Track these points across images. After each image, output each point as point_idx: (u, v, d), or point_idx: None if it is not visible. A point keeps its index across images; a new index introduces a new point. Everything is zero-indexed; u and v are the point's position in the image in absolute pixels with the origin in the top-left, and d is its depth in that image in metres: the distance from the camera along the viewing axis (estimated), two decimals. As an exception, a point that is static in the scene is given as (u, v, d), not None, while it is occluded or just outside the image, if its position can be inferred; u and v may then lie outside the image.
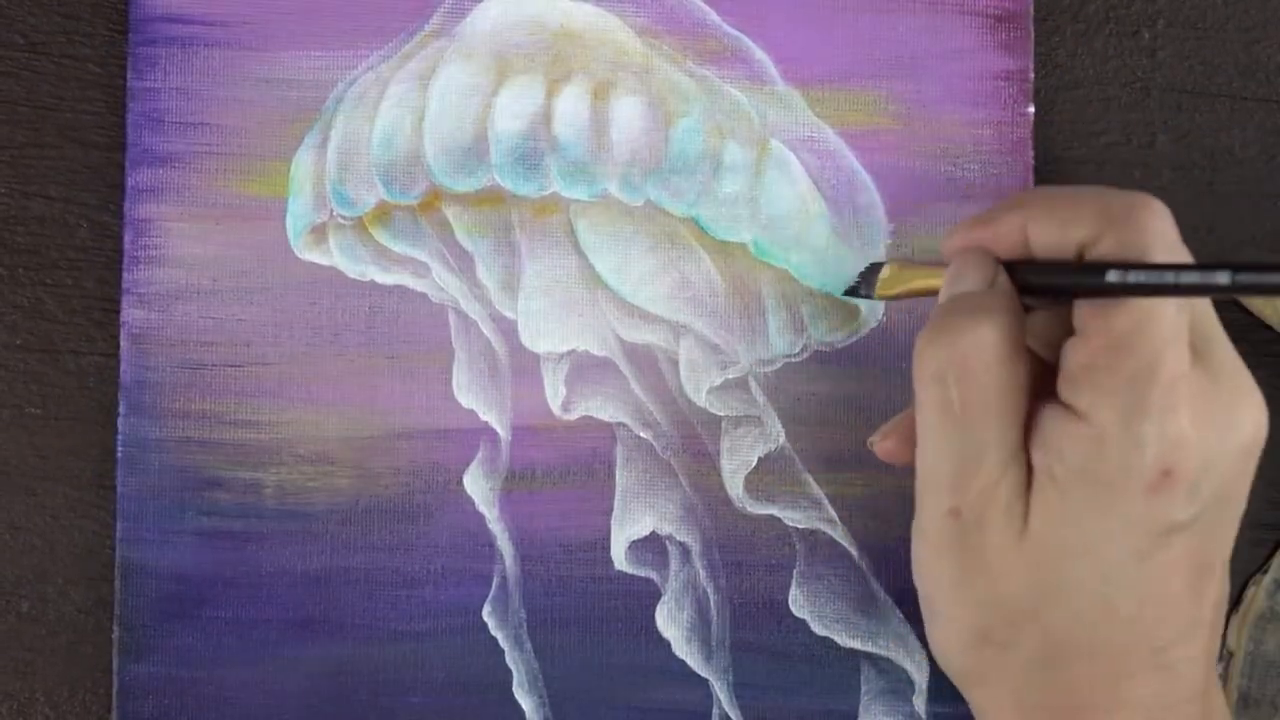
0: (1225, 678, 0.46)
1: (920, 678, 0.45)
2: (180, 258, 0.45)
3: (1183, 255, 0.36)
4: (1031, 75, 0.46)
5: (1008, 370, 0.36)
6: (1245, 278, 0.33)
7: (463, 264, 0.45)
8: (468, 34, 0.45)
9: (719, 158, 0.45)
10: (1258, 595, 0.46)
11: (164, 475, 0.44)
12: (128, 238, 0.45)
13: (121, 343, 0.44)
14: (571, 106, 0.44)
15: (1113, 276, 0.35)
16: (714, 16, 0.45)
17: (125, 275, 0.45)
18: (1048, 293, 0.38)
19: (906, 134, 0.46)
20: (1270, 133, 0.47)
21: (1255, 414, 0.36)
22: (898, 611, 0.45)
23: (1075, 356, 0.36)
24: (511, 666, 0.45)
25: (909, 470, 0.45)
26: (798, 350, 0.45)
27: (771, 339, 0.45)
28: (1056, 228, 0.36)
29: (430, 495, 0.45)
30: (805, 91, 0.46)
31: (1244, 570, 0.47)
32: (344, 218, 0.45)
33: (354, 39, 0.45)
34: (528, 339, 0.45)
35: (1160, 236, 0.36)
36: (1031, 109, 0.46)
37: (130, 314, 0.45)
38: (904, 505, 0.45)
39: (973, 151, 0.46)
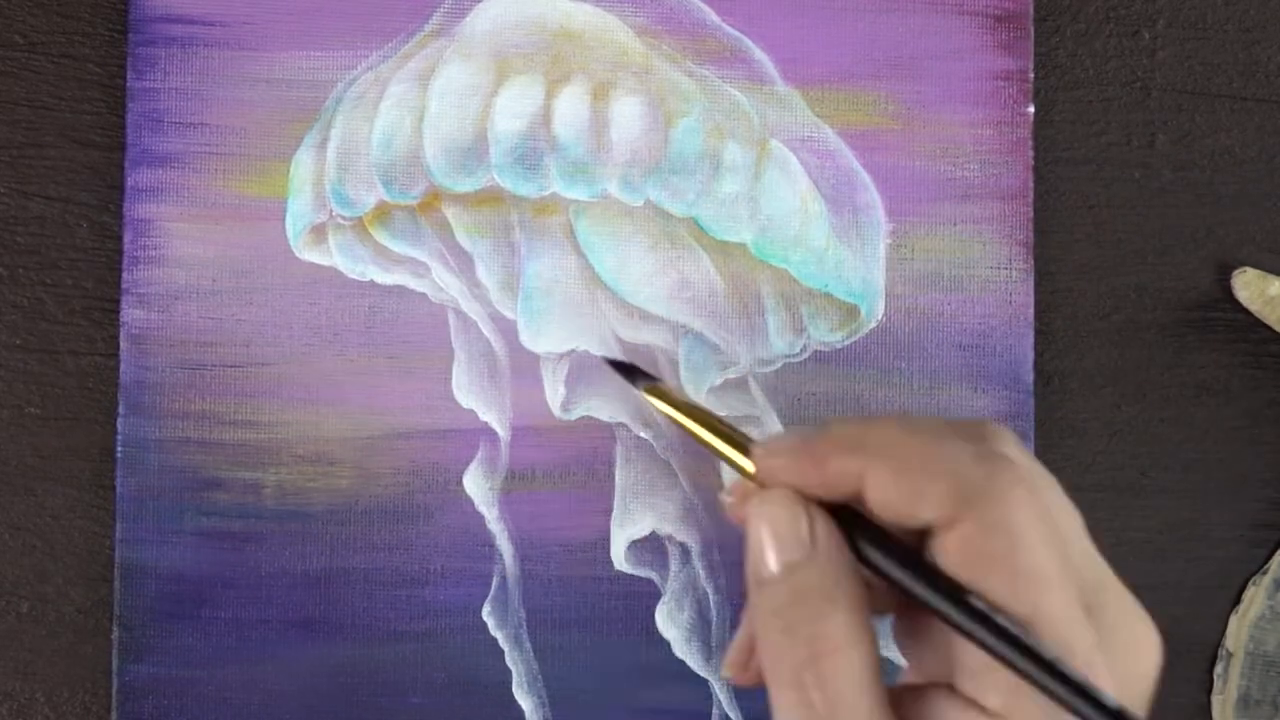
0: (1225, 678, 0.46)
1: (920, 678, 0.45)
2: (180, 258, 0.45)
3: (1054, 537, 0.31)
4: (1031, 75, 0.46)
5: (863, 658, 0.31)
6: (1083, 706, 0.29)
7: (462, 264, 0.45)
8: (467, 34, 0.45)
9: (719, 158, 0.45)
10: (1258, 595, 0.46)
11: (163, 476, 0.44)
12: (128, 238, 0.45)
13: (121, 343, 0.44)
14: (571, 107, 0.44)
15: (959, 616, 0.30)
16: (714, 16, 0.45)
17: (125, 275, 0.45)
18: (890, 581, 0.32)
19: (906, 134, 0.46)
20: (1270, 133, 0.47)
21: (1151, 656, 0.32)
22: (897, 611, 0.45)
23: (974, 652, 0.31)
24: (511, 666, 0.45)
25: (909, 470, 0.45)
26: (797, 350, 0.45)
27: (771, 339, 0.45)
28: (901, 497, 0.31)
29: (430, 495, 0.45)
30: (805, 91, 0.46)
31: (1244, 570, 0.47)
32: (344, 218, 0.45)
33: (353, 39, 0.45)
34: (528, 339, 0.45)
35: (1023, 519, 0.31)
36: (1031, 109, 0.46)
37: (130, 314, 0.45)
38: (904, 505, 0.45)
39: (973, 151, 0.46)
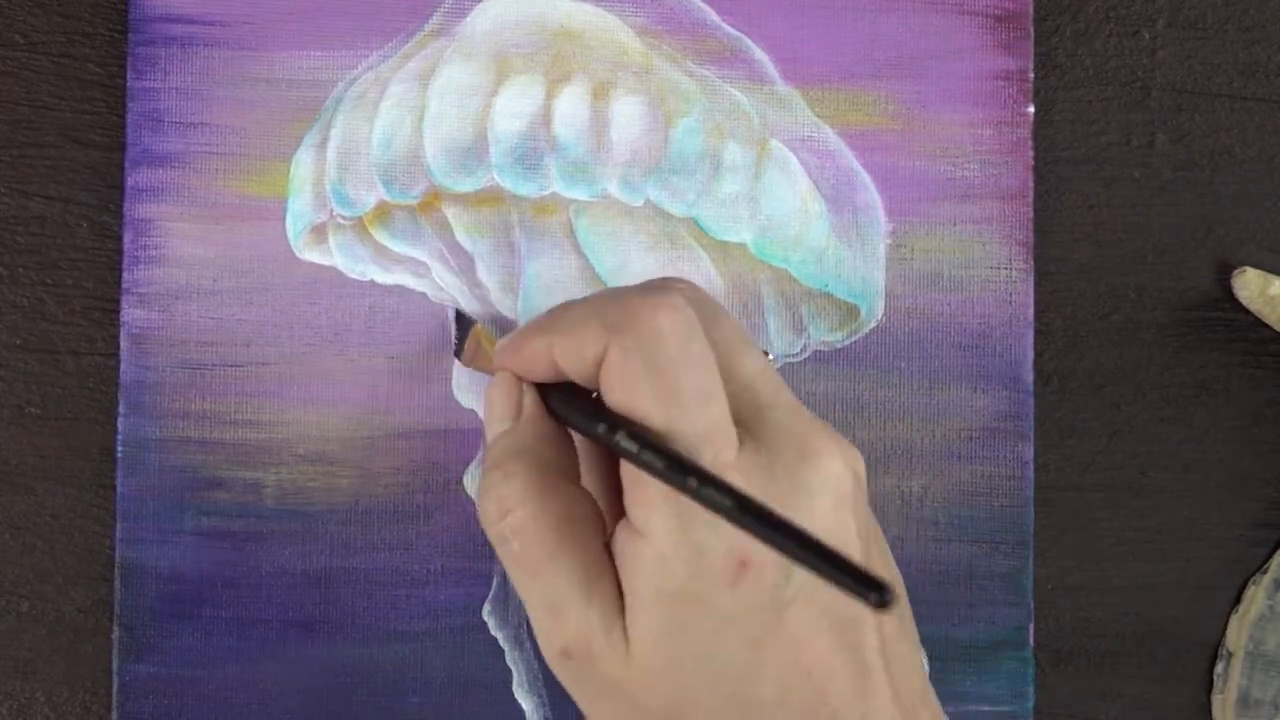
0: (1225, 677, 0.46)
1: (920, 678, 0.45)
2: (180, 258, 0.45)
3: (697, 349, 0.34)
4: (1031, 75, 0.46)
5: (552, 509, 0.35)
6: (707, 491, 0.32)
7: (463, 264, 0.45)
8: (468, 34, 0.45)
9: (719, 158, 0.45)
10: (1258, 595, 0.46)
11: (164, 475, 0.44)
12: (128, 238, 0.45)
13: (121, 343, 0.44)
14: (571, 106, 0.44)
15: (601, 430, 0.34)
16: (714, 16, 0.45)
17: (125, 275, 0.45)
18: (575, 426, 0.36)
19: (906, 134, 0.46)
20: (1270, 133, 0.47)
21: (828, 467, 0.34)
22: (897, 611, 0.45)
23: (624, 472, 0.34)
24: (511, 666, 0.45)
25: (908, 470, 0.45)
26: (797, 350, 0.45)
27: (771, 339, 0.45)
28: (574, 348, 0.35)
29: (430, 495, 0.45)
30: (805, 91, 0.46)
31: (1244, 570, 0.47)
32: (344, 218, 0.45)
33: (354, 39, 0.45)
34: (528, 339, 0.45)
35: (662, 337, 0.33)
36: (1031, 109, 0.46)
37: (130, 314, 0.45)
38: (903, 505, 0.45)
39: (973, 151, 0.46)
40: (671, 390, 0.33)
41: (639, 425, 0.33)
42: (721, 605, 0.33)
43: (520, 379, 0.37)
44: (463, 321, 0.44)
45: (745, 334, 0.36)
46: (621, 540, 0.34)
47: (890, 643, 0.35)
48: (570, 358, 0.35)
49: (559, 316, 0.36)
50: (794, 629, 0.34)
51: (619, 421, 0.34)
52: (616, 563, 0.34)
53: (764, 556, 0.33)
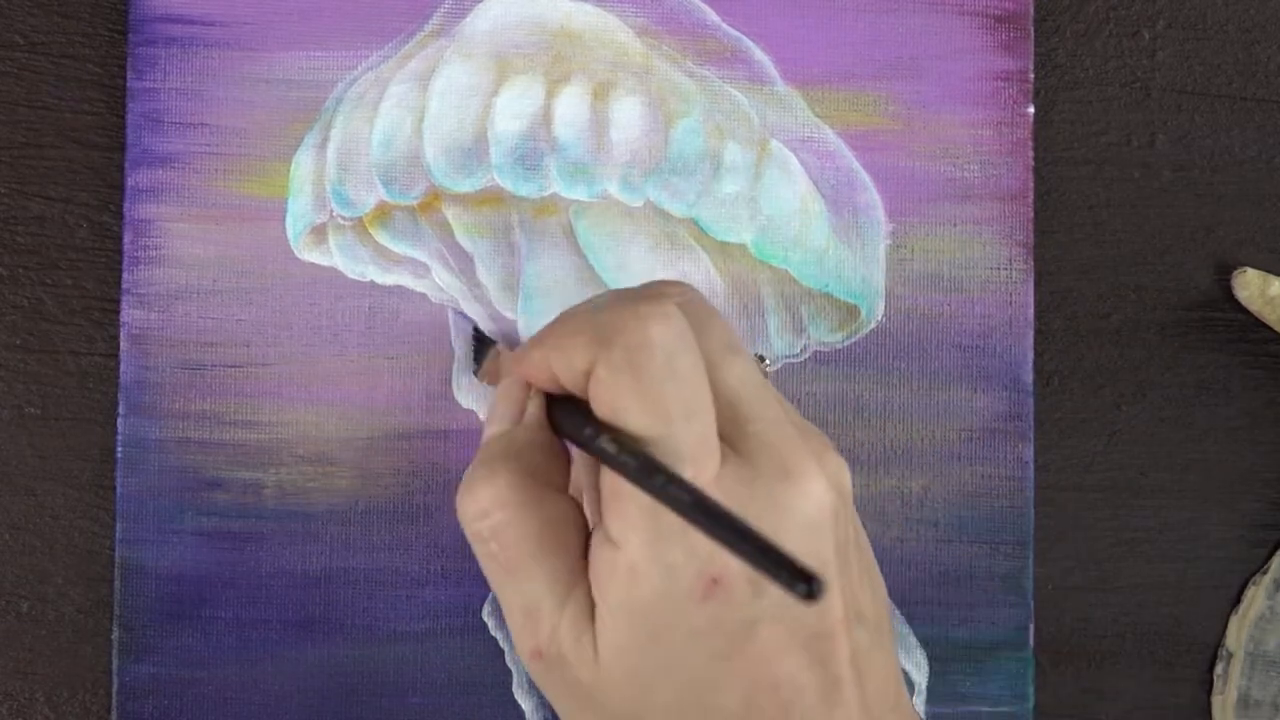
0: (1225, 678, 0.46)
1: (919, 678, 0.45)
2: (180, 258, 0.45)
3: (686, 363, 0.34)
4: (1031, 75, 0.46)
5: (534, 513, 0.35)
6: (670, 489, 0.32)
7: (463, 264, 0.45)
8: (468, 34, 0.45)
9: (719, 158, 0.45)
10: (1258, 595, 0.46)
11: (164, 476, 0.44)
12: (128, 238, 0.45)
13: (121, 343, 0.44)
14: (571, 107, 0.44)
15: (587, 434, 0.34)
16: (714, 17, 0.45)
17: (125, 275, 0.45)
18: (565, 433, 0.36)
19: (906, 134, 0.46)
20: (1270, 133, 0.47)
21: (808, 490, 0.34)
22: (897, 612, 0.45)
23: (604, 483, 0.34)
24: (511, 667, 0.45)
25: (909, 470, 0.45)
26: (797, 351, 0.45)
27: (771, 339, 0.45)
28: (566, 360, 0.35)
29: (430, 495, 0.45)
30: (805, 92, 0.46)
31: (1244, 570, 0.47)
32: (344, 218, 0.45)
33: (354, 39, 0.45)
34: (528, 339, 0.45)
35: (649, 352, 0.33)
36: (1031, 109, 0.46)
37: (130, 314, 0.45)
38: (903, 506, 0.45)
39: (973, 151, 0.46)
40: (656, 405, 0.33)
41: (625, 435, 0.33)
42: (690, 620, 0.33)
43: (528, 385, 0.37)
44: (482, 340, 0.43)
45: (735, 340, 0.35)
46: (596, 549, 0.34)
47: (862, 652, 0.35)
48: (564, 371, 0.35)
49: (554, 328, 0.36)
50: (763, 645, 0.34)
51: (604, 429, 0.34)
52: (590, 571, 0.35)
53: (735, 575, 0.33)
